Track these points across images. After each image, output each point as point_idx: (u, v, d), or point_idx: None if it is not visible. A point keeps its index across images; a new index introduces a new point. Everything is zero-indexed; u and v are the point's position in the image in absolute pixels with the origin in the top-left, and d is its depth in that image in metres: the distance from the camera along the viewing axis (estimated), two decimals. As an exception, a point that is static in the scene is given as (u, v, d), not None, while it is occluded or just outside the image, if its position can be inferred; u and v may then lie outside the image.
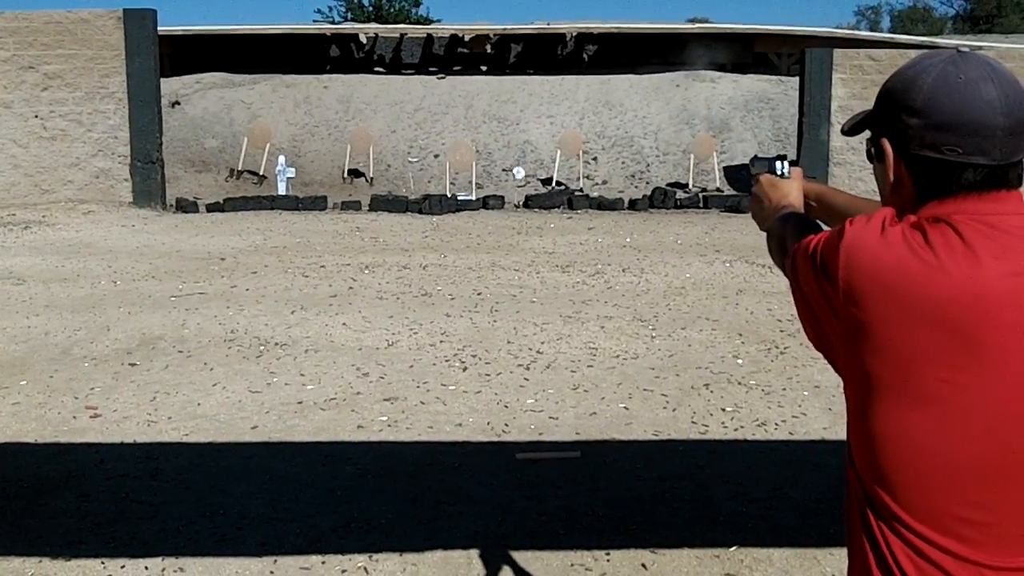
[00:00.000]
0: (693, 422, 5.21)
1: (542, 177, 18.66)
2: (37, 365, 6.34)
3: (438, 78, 21.14)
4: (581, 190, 16.66)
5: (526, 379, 6.01)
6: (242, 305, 7.93)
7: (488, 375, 6.10)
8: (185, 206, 14.08)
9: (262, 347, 6.75)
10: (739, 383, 5.83)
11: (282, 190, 14.99)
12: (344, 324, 7.37)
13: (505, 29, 21.76)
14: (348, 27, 22.74)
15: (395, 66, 21.97)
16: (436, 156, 19.27)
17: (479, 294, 8.41)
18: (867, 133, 1.56)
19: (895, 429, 1.36)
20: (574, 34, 22.28)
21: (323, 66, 21.46)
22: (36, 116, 13.91)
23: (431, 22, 39.35)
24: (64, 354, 6.59)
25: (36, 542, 3.89)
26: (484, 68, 22.05)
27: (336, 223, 12.90)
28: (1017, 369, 1.33)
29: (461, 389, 5.83)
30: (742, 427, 5.12)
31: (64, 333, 7.06)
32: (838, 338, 1.41)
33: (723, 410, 5.37)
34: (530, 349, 6.66)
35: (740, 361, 6.30)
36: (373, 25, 24.30)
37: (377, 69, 21.92)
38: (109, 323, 7.28)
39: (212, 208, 14.04)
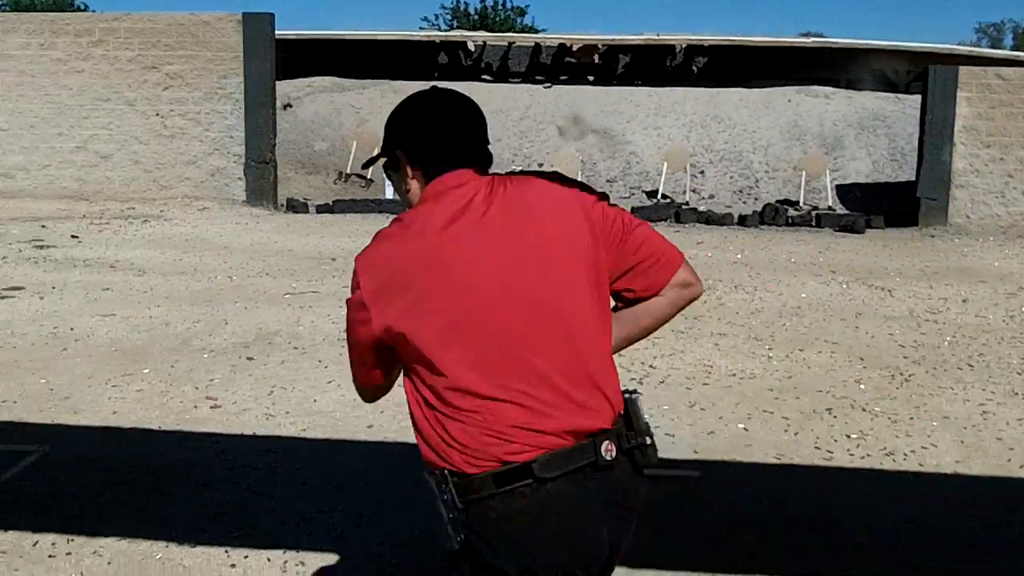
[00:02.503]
0: (816, 447, 5.05)
1: (647, 189, 18.53)
2: (158, 354, 6.47)
3: (544, 87, 21.16)
4: (687, 204, 16.48)
5: (640, 394, 5.90)
6: (309, 304, 7.99)
7: (601, 387, 6.01)
8: (295, 206, 14.32)
9: (328, 345, 6.77)
10: (863, 409, 5.64)
11: (389, 194, 15.13)
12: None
13: (614, 39, 21.68)
14: (457, 35, 22.89)
15: (502, 74, 22.04)
16: (540, 165, 19.28)
17: (589, 305, 8.33)
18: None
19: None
20: (684, 46, 22.09)
21: (431, 73, 21.65)
22: (157, 114, 14.30)
23: (536, 32, 39.48)
24: (184, 345, 6.72)
25: (162, 527, 3.95)
26: (591, 78, 21.98)
27: (443, 228, 12.95)
28: (466, 280, 1.85)
29: (574, 400, 5.76)
30: (869, 455, 4.94)
31: (184, 324, 7.21)
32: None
33: (848, 436, 5.20)
34: (642, 363, 6.56)
35: (862, 387, 6.10)
36: (482, 33, 24.43)
37: (484, 77, 22.02)
38: (226, 317, 7.41)
39: (322, 209, 14.25)
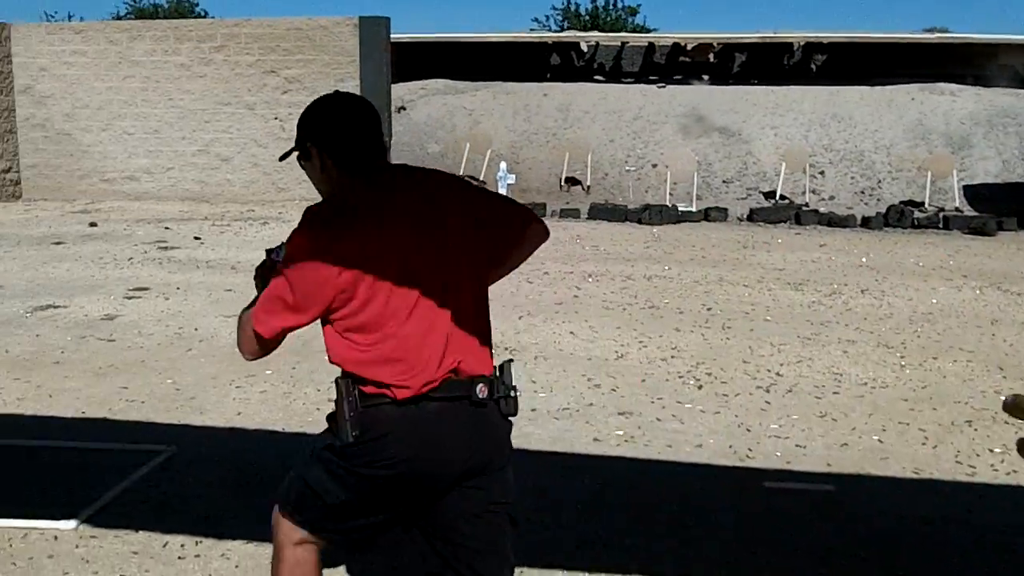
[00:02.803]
0: (958, 462, 4.80)
1: (764, 190, 18.13)
2: (280, 356, 6.50)
3: (658, 87, 20.91)
4: (807, 205, 16.05)
5: (767, 402, 5.72)
6: (471, 308, 7.97)
7: (726, 395, 5.85)
8: (409, 208, 14.45)
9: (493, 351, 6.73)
10: (1006, 422, 5.34)
11: (503, 192, 15.15)
12: (572, 333, 7.28)
13: (729, 38, 21.30)
14: (569, 35, 22.80)
15: (615, 74, 21.87)
16: (654, 166, 19.04)
17: (708, 309, 8.14)
18: None
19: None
20: (802, 43, 21.56)
21: (543, 74, 21.60)
22: (275, 118, 14.59)
23: (648, 31, 39.11)
24: (305, 346, 6.74)
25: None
26: (706, 77, 21.63)
27: (556, 230, 12.80)
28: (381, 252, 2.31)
29: (698, 408, 5.61)
30: (1015, 471, 4.67)
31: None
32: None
33: (991, 451, 4.93)
34: (768, 370, 6.36)
35: (1003, 398, 5.78)
36: (594, 33, 24.27)
37: (597, 77, 21.88)
38: (345, 319, 7.45)
39: (435, 210, 14.34)
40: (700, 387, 6.00)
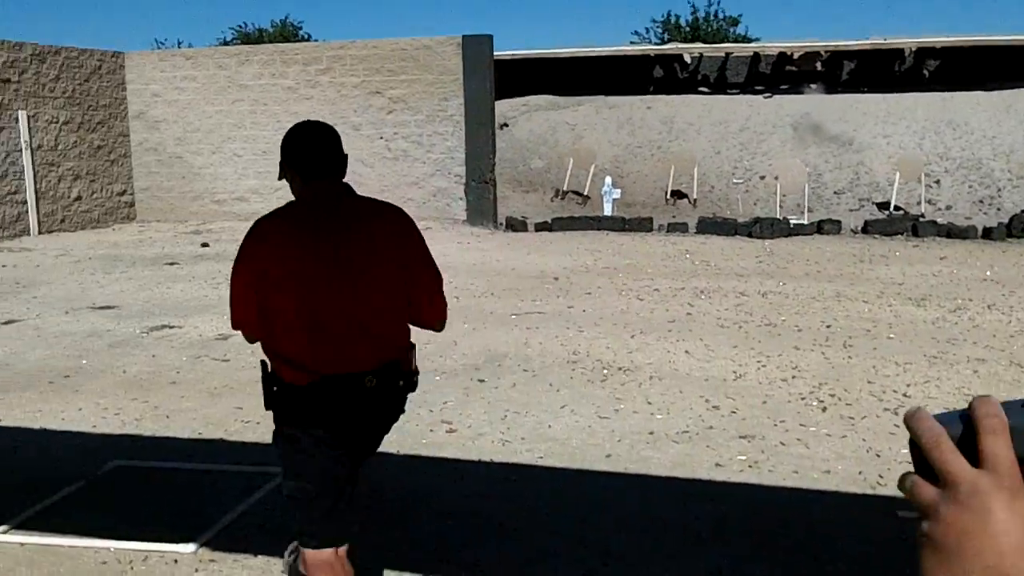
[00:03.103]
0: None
1: (877, 201, 17.59)
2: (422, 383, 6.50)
3: (764, 97, 20.50)
4: (923, 215, 15.51)
5: (896, 425, 5.44)
6: (581, 327, 7.84)
7: (851, 418, 5.59)
8: (515, 224, 14.38)
9: (605, 371, 6.60)
10: None
11: (608, 211, 14.99)
12: (687, 352, 7.08)
13: (837, 46, 20.77)
14: (672, 48, 22.54)
15: (719, 86, 21.52)
16: (762, 177, 18.65)
17: (828, 326, 7.86)
18: None
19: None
20: (913, 49, 20.91)
21: (646, 87, 21.39)
22: (381, 138, 14.71)
23: (750, 41, 38.49)
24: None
25: (403, 557, 3.87)
26: (813, 87, 21.13)
27: (664, 245, 12.68)
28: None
29: (823, 431, 5.37)
30: None
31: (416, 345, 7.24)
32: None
33: None
34: (894, 391, 6.07)
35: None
36: (698, 45, 23.95)
37: (701, 89, 21.57)
38: (456, 338, 7.40)
39: (540, 227, 14.25)
40: (824, 409, 5.76)
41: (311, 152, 2.81)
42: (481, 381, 6.37)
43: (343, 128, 14.78)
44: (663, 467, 4.88)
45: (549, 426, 5.45)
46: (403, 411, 3.03)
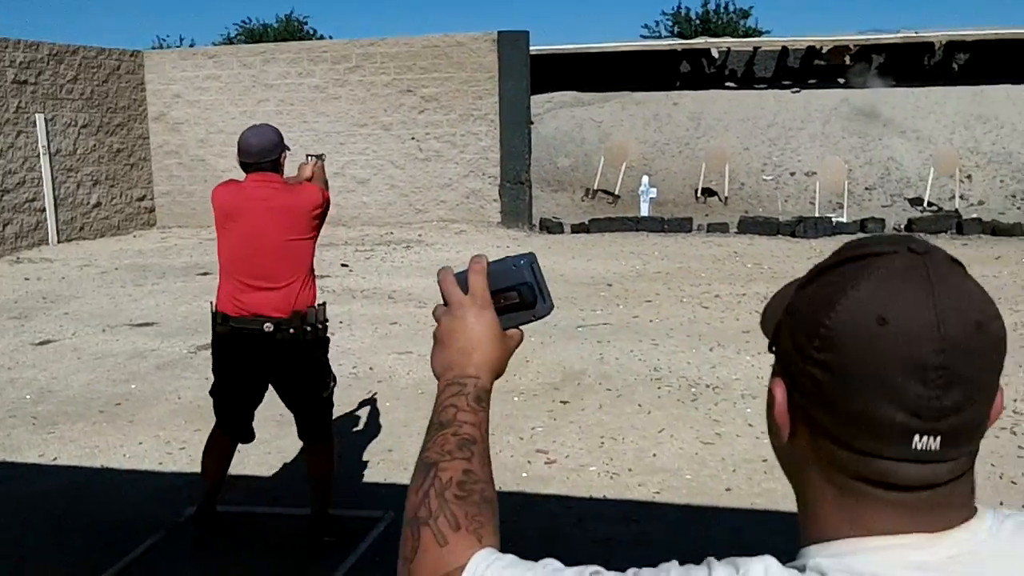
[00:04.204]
0: None
1: (909, 196, 17.17)
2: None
3: (792, 92, 20.08)
4: (957, 211, 15.11)
5: (1019, 447, 5.04)
6: (653, 338, 7.42)
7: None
8: (550, 226, 13.96)
9: (693, 389, 6.18)
10: None
11: (644, 211, 14.57)
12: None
13: (867, 39, 20.35)
14: (700, 42, 22.10)
15: (747, 80, 21.10)
16: (792, 174, 18.24)
17: (913, 335, 7.43)
18: None
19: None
20: (943, 42, 20.48)
21: (672, 82, 20.97)
22: (412, 138, 14.29)
23: (760, 34, 38.04)
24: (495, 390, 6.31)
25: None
26: (841, 81, 20.70)
27: (710, 247, 12.26)
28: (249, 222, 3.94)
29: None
30: None
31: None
32: None
33: None
34: (1013, 412, 5.65)
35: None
36: (726, 39, 23.54)
37: (728, 84, 21.14)
38: (525, 354, 6.96)
39: (576, 229, 13.83)
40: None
41: (251, 151, 3.98)
42: (564, 403, 5.95)
43: (373, 129, 14.40)
44: (790, 500, 4.45)
45: (654, 455, 5.04)
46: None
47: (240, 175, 4.02)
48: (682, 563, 0.88)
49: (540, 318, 1.13)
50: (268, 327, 3.88)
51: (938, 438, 0.79)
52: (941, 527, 0.82)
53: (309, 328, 3.99)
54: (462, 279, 1.09)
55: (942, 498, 0.82)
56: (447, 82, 14.02)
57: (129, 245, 13.65)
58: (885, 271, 0.81)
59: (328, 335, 4.14)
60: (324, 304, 4.11)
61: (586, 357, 6.92)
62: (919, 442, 0.79)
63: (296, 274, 3.95)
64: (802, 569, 0.83)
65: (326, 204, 4.01)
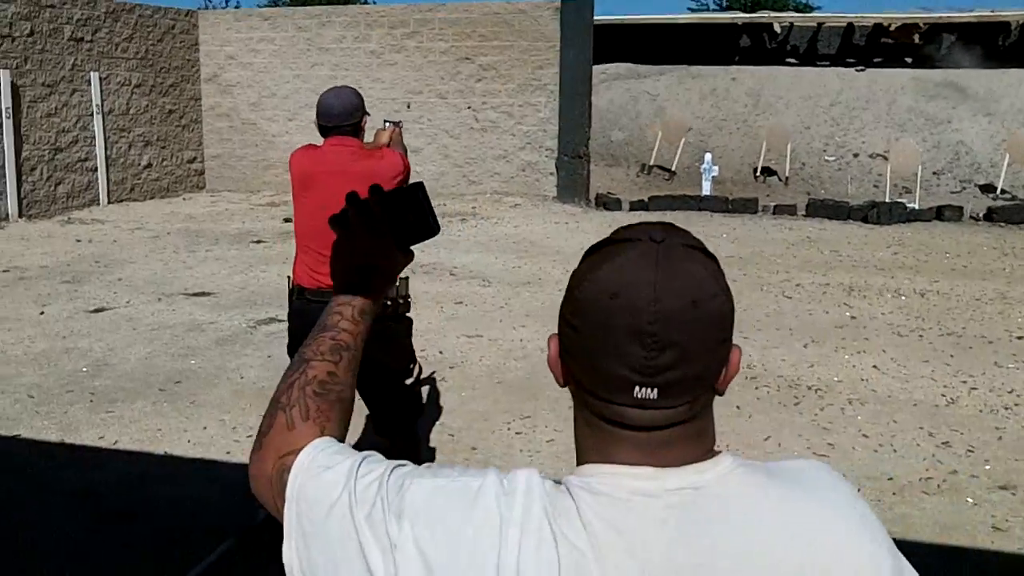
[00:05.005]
0: None
1: (980, 183, 16.53)
2: (546, 389, 5.68)
3: (857, 70, 19.43)
4: (1040, 201, 14.49)
5: None
6: (742, 332, 6.96)
7: (1120, 462, 4.71)
8: (608, 203, 13.49)
9: (793, 390, 5.74)
10: None
11: (706, 190, 14.05)
12: (875, 367, 6.21)
13: (939, 17, 19.63)
14: (762, 16, 21.44)
15: (809, 57, 20.45)
16: (855, 155, 17.64)
17: (1019, 337, 6.94)
18: None
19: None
20: (1021, 22, 19.71)
21: (731, 56, 20.38)
22: (468, 107, 13.84)
23: (811, 10, 37.16)
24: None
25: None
26: (909, 60, 20.00)
27: (780, 230, 11.75)
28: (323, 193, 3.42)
29: (1096, 480, 4.49)
30: None
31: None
32: None
33: None
34: None
35: None
36: (789, 14, 22.85)
37: (789, 60, 20.49)
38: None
39: (635, 206, 13.34)
40: (1080, 450, 4.87)
41: (331, 115, 3.68)
42: (656, 401, 5.53)
43: (428, 96, 13.95)
44: (927, 528, 4.03)
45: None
46: None
47: (301, 140, 3.69)
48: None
49: (428, 239, 1.27)
50: None
51: (655, 390, 0.95)
52: (668, 464, 0.97)
53: (389, 303, 3.62)
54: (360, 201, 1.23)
55: (667, 439, 0.97)
56: (507, 50, 13.54)
57: (179, 208, 13.33)
58: (624, 256, 0.96)
59: (410, 314, 3.76)
60: (407, 278, 3.72)
61: (672, 350, 6.49)
62: (639, 392, 0.95)
63: None
64: (558, 483, 0.99)
65: (407, 171, 3.68)
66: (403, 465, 1.06)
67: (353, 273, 1.22)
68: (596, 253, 1.00)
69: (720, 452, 1.00)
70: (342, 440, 1.12)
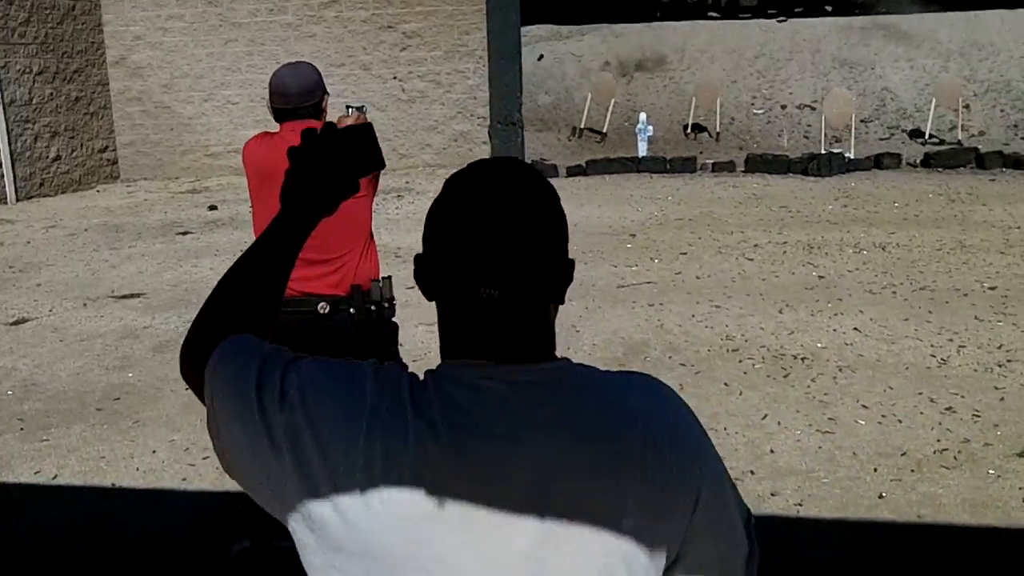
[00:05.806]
0: None
1: (907, 129, 16.55)
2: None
3: (779, 21, 19.28)
4: (960, 143, 14.54)
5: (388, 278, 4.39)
6: (711, 299, 6.68)
7: None
8: (543, 169, 13.08)
9: (779, 361, 5.45)
10: None
11: (643, 151, 13.74)
12: (856, 329, 5.96)
13: (857, -38, 19.53)
14: (681, -31, 21.13)
15: (731, 11, 20.24)
16: (783, 107, 17.53)
17: (991, 288, 6.77)
18: None
19: None
20: (936, -35, 19.70)
21: (652, 12, 20.07)
22: (394, 77, 13.32)
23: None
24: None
25: None
26: (829, 8, 19.93)
27: (724, 188, 11.51)
28: None
29: (1113, 440, 4.28)
30: None
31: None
32: None
33: None
34: None
35: None
36: (709, -34, 22.56)
37: (711, 14, 20.27)
38: (571, 320, 6.20)
39: (573, 171, 12.99)
40: (1088, 407, 4.67)
41: (285, 99, 3.34)
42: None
43: (351, 68, 13.34)
44: (955, 508, 3.77)
45: (770, 450, 4.31)
46: None
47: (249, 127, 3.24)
48: None
49: (376, 170, 1.41)
50: (323, 308, 3.18)
51: (496, 292, 1.08)
52: (512, 360, 1.08)
53: (373, 307, 3.26)
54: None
55: (509, 336, 1.09)
56: (431, 16, 13.01)
57: (94, 202, 12.59)
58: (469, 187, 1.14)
59: (395, 319, 3.35)
60: (389, 277, 3.32)
61: (644, 325, 6.16)
62: (484, 292, 1.08)
63: (353, 242, 3.24)
64: (431, 372, 1.11)
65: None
66: (284, 350, 1.20)
67: (303, 196, 1.34)
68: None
69: (562, 358, 1.13)
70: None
